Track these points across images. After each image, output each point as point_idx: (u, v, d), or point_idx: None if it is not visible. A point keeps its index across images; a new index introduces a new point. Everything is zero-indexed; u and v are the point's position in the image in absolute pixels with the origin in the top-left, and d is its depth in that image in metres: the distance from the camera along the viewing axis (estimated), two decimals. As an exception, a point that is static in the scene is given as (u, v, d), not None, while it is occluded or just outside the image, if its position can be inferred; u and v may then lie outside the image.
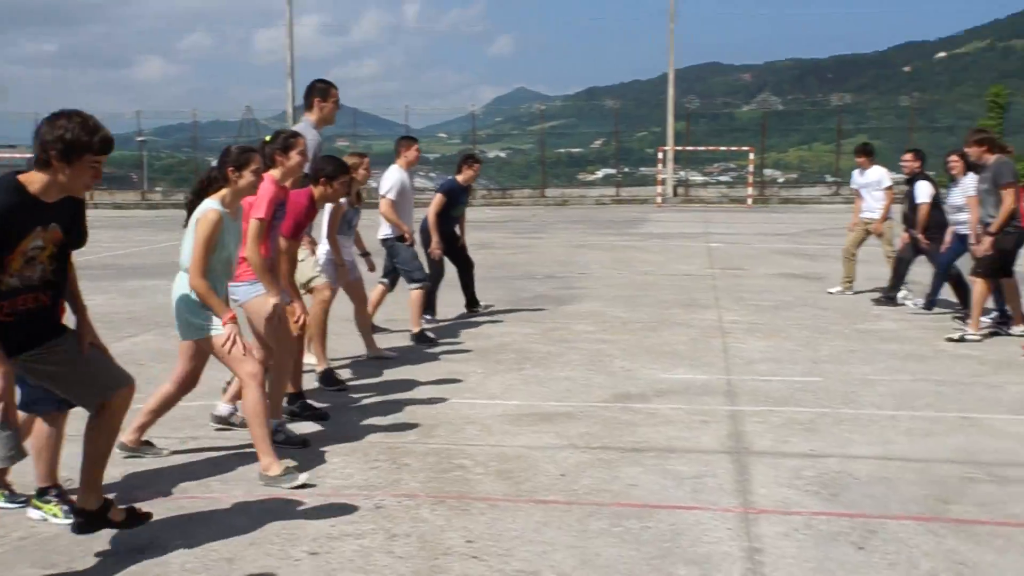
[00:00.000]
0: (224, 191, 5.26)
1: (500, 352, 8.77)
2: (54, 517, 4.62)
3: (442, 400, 7.03)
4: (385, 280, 9.66)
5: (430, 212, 10.17)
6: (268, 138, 6.11)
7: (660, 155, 36.25)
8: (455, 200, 10.42)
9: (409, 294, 9.37)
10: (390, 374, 7.98)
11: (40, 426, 4.59)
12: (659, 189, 34.88)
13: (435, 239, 10.03)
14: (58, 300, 4.21)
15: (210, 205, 5.17)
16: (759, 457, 5.66)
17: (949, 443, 5.91)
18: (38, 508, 4.67)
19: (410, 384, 7.57)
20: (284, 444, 5.82)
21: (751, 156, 36.42)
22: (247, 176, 5.27)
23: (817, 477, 5.29)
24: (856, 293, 12.07)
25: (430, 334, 9.34)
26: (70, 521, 4.46)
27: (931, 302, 10.66)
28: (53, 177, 3.86)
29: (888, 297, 11.36)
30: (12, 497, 4.88)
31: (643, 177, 46.82)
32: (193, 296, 5.14)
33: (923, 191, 10.90)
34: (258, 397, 5.22)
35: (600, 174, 50.10)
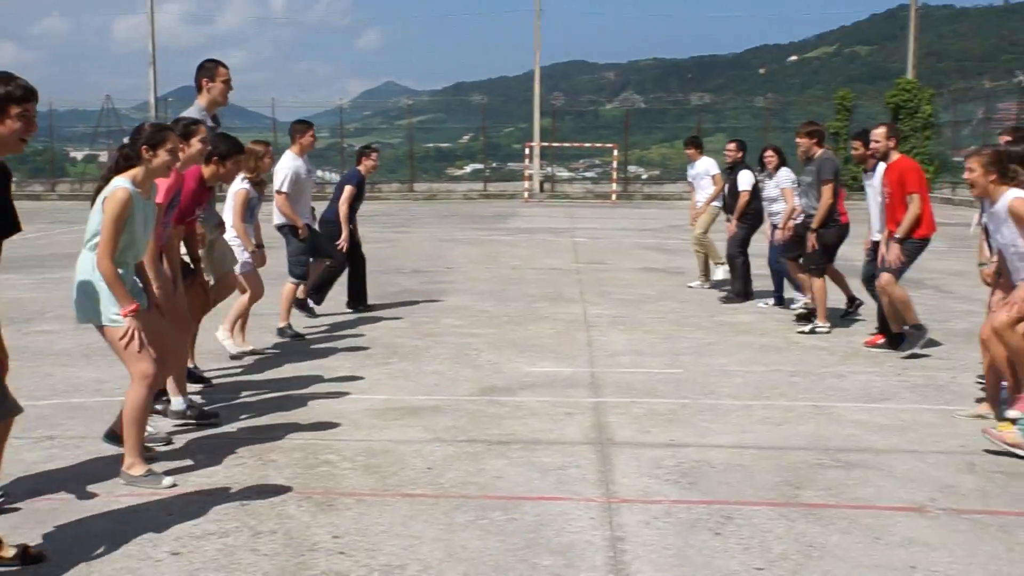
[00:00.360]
0: (136, 170, 5.07)
1: (368, 347, 8.73)
2: None
3: (309, 395, 6.96)
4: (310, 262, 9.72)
5: (342, 204, 10.17)
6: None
7: (527, 151, 36.60)
8: (362, 192, 10.49)
9: (283, 286, 9.29)
10: (257, 369, 7.86)
11: None
12: (526, 184, 35.21)
13: (346, 231, 10.11)
14: None
15: (120, 183, 4.96)
16: (621, 448, 5.80)
17: (800, 431, 6.18)
18: None
19: (277, 380, 7.47)
20: (198, 420, 5.88)
21: (615, 153, 37.12)
22: (162, 155, 5.11)
23: (676, 466, 5.46)
24: (712, 288, 12.44)
25: (293, 331, 9.23)
26: None
27: (779, 299, 11.10)
28: None
29: (743, 294, 11.62)
30: None
31: (511, 172, 47.11)
32: (96, 279, 4.93)
33: (744, 180, 11.39)
34: (143, 398, 5.03)
35: (468, 169, 50.22)
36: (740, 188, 11.41)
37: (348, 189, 10.28)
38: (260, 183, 8.33)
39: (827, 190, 9.40)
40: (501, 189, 37.25)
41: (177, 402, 6.12)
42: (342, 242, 10.08)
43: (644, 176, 46.92)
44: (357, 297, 10.80)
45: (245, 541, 4.34)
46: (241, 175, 7.69)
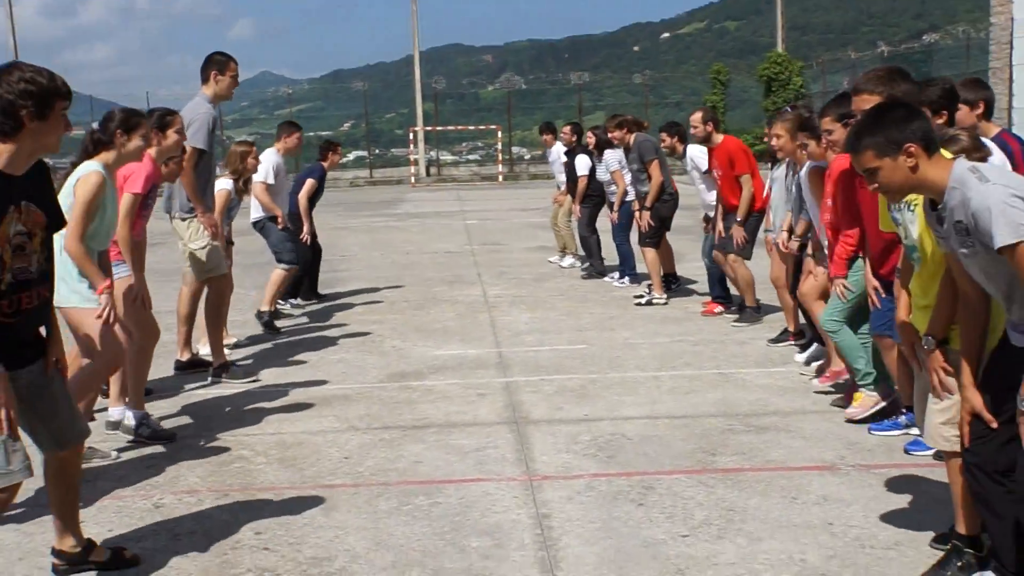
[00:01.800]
0: (107, 154, 4.93)
1: (270, 339, 8.57)
2: None
3: (214, 391, 6.79)
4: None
5: (302, 197, 10.01)
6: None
7: (411, 135, 36.36)
8: (322, 187, 10.37)
9: (273, 272, 9.14)
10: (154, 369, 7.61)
11: None
12: (412, 169, 34.98)
13: (307, 225, 9.98)
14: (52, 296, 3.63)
15: (92, 167, 4.82)
16: (536, 426, 5.83)
17: (709, 398, 6.30)
18: None
19: (177, 377, 7.25)
20: (150, 440, 5.56)
21: (499, 135, 37.17)
22: (135, 140, 4.99)
23: (593, 441, 5.51)
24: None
25: (269, 319, 9.00)
26: None
27: (627, 274, 11.16)
28: (21, 143, 3.34)
29: (599, 272, 11.69)
30: None
31: (395, 158, 46.78)
32: (63, 261, 4.67)
33: (581, 164, 11.57)
34: (96, 383, 4.93)
35: (352, 156, 49.66)
36: (579, 172, 11.58)
37: (309, 182, 10.14)
38: (244, 184, 8.33)
39: (655, 168, 9.76)
40: (387, 175, 36.93)
41: (131, 415, 5.64)
42: (305, 234, 9.91)
43: (528, 156, 47.14)
44: (314, 287, 10.65)
45: (164, 544, 4.21)
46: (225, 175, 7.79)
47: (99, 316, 4.76)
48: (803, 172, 6.49)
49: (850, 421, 5.64)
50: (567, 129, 12.08)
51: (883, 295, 5.08)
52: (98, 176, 4.83)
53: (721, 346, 7.77)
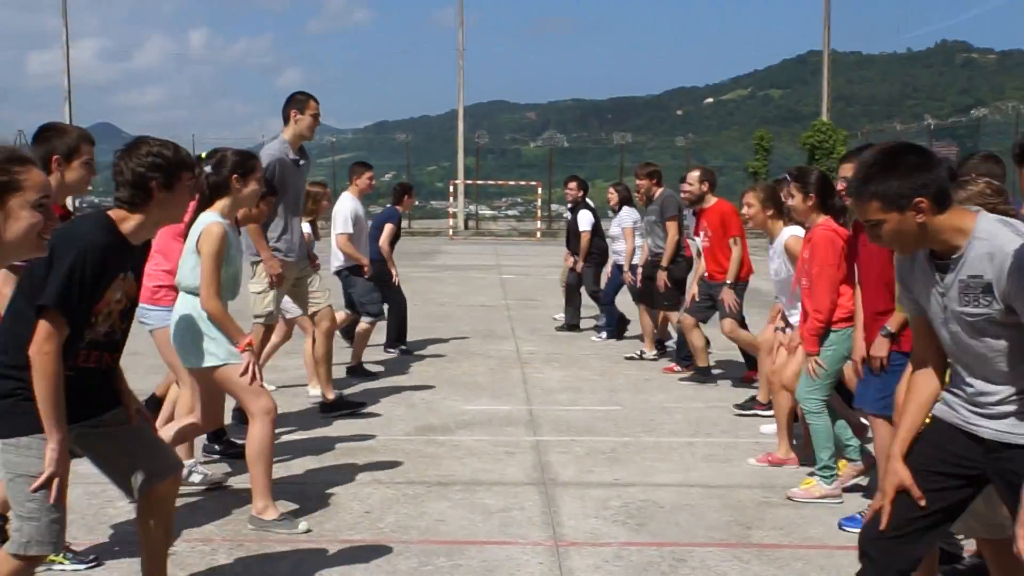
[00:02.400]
0: (222, 202, 4.77)
1: (295, 386, 8.44)
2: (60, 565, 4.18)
3: (235, 435, 6.65)
4: (348, 311, 9.33)
5: (384, 244, 9.93)
6: (204, 154, 5.11)
7: (451, 188, 36.52)
8: (399, 230, 10.35)
9: (359, 327, 9.07)
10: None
11: None
12: (451, 222, 35.07)
13: (394, 269, 9.94)
14: (118, 363, 3.62)
15: (212, 218, 4.65)
16: (565, 488, 5.63)
17: (745, 468, 6.07)
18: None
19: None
20: (201, 485, 5.42)
21: (539, 191, 37.23)
22: (252, 184, 4.86)
23: (623, 507, 5.30)
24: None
25: (364, 369, 9.02)
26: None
27: (609, 332, 11.14)
28: (149, 213, 3.48)
29: (570, 325, 11.73)
30: (77, 557, 4.31)
31: (434, 210, 46.98)
32: (200, 318, 4.62)
33: (584, 220, 11.41)
34: (268, 435, 4.75)
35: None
36: (580, 228, 11.43)
37: (389, 227, 10.07)
38: (314, 227, 8.30)
39: (672, 227, 9.46)
40: (425, 227, 37.04)
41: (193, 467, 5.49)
42: (396, 279, 9.92)
43: (567, 215, 47.22)
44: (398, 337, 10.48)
45: (174, 594, 4.05)
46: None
47: (242, 374, 4.64)
48: (778, 242, 6.32)
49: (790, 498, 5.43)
50: (572, 185, 11.84)
51: (881, 368, 4.71)
52: (220, 227, 4.63)
53: (758, 415, 7.53)
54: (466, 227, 35.95)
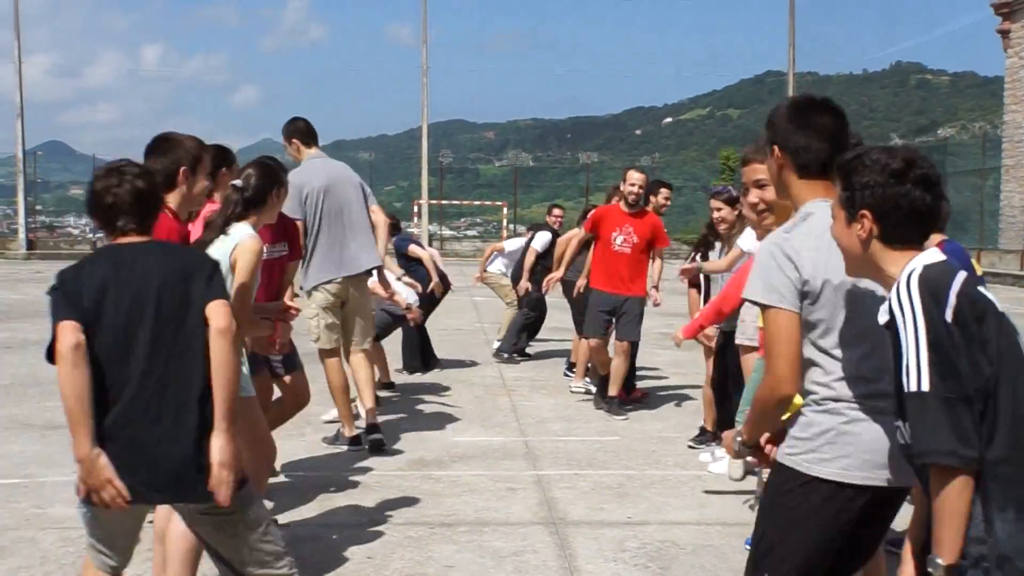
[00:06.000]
0: (253, 216, 4.32)
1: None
2: None
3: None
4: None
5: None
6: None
7: (415, 208, 36.16)
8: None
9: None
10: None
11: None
12: (414, 242, 34.65)
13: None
14: None
15: (248, 232, 4.13)
16: (577, 528, 5.30)
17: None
18: None
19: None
20: None
21: (504, 211, 36.99)
22: (283, 195, 4.56)
23: (641, 548, 4.98)
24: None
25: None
26: None
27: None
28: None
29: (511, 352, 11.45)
30: None
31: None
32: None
33: (539, 240, 11.36)
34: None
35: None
36: (533, 245, 11.31)
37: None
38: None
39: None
40: (387, 248, 36.61)
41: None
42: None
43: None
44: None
45: (168, 660, 3.66)
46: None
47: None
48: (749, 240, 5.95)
49: None
50: (558, 212, 11.90)
51: None
52: (256, 242, 4.11)
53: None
54: (431, 245, 35.56)
